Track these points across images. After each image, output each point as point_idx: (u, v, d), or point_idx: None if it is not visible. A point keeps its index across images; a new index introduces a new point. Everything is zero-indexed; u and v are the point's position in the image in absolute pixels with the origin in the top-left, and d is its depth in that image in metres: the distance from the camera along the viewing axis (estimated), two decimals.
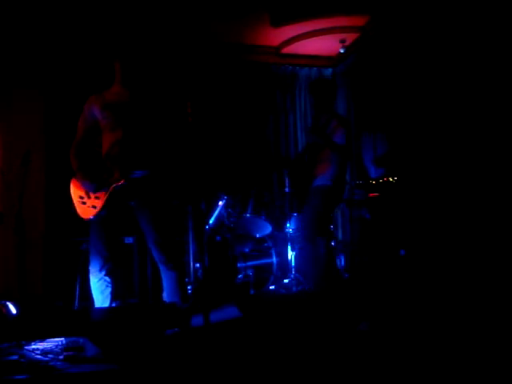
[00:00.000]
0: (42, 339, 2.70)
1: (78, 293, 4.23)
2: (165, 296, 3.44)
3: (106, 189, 3.31)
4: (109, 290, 3.36)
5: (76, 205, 3.41)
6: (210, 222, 4.97)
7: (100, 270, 3.33)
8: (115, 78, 3.46)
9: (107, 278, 3.35)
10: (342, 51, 5.84)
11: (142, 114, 3.38)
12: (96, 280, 3.35)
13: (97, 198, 3.33)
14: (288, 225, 4.97)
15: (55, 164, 5.10)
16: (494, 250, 3.81)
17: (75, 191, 3.41)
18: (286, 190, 5.12)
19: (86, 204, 3.36)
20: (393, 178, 4.79)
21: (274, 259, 4.96)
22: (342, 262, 5.49)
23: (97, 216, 3.32)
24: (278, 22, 5.36)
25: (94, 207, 3.32)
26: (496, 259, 3.77)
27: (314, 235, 4.23)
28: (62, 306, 4.30)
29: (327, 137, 4.17)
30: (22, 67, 5.17)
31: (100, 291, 3.35)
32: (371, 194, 4.95)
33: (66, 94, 5.23)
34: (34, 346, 2.58)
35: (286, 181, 5.10)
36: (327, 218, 4.44)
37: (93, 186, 3.31)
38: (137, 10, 5.00)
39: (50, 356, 2.41)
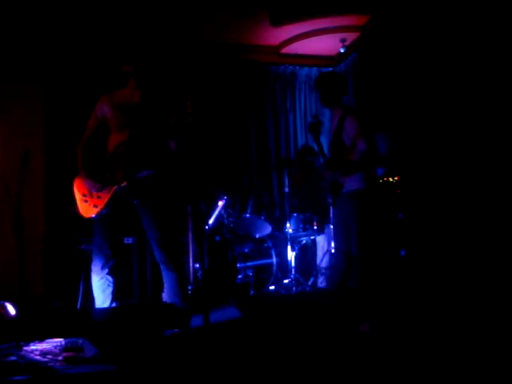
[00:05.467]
0: (41, 340, 2.69)
1: (81, 293, 4.25)
2: (164, 297, 3.44)
3: (109, 189, 3.33)
4: (110, 289, 3.38)
5: (78, 203, 3.44)
6: (210, 222, 4.96)
7: (102, 269, 3.36)
8: (126, 80, 3.47)
9: (109, 277, 3.38)
10: (342, 51, 5.82)
11: (150, 116, 3.38)
12: (98, 278, 3.38)
13: (99, 197, 3.35)
14: (288, 225, 4.96)
15: (55, 164, 5.10)
16: (496, 250, 3.80)
17: (78, 189, 3.44)
18: (286, 190, 5.11)
19: (87, 202, 3.38)
20: (393, 178, 4.77)
21: (274, 259, 4.95)
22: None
23: (98, 215, 3.34)
24: (278, 21, 5.34)
25: (96, 206, 3.34)
26: (497, 259, 3.76)
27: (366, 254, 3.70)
28: (61, 307, 4.30)
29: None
30: (23, 66, 5.15)
31: (101, 290, 3.37)
32: None
33: (67, 94, 5.23)
34: (32, 347, 2.57)
35: (286, 181, 5.09)
36: (373, 229, 3.78)
37: (96, 185, 3.34)
38: (139, 10, 4.99)
39: (48, 357, 2.40)
